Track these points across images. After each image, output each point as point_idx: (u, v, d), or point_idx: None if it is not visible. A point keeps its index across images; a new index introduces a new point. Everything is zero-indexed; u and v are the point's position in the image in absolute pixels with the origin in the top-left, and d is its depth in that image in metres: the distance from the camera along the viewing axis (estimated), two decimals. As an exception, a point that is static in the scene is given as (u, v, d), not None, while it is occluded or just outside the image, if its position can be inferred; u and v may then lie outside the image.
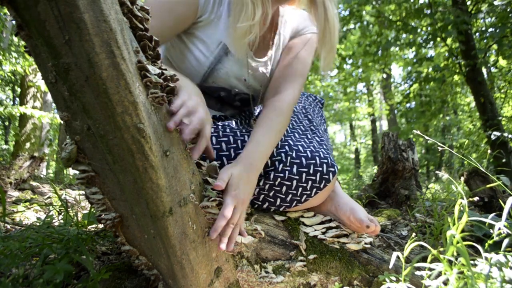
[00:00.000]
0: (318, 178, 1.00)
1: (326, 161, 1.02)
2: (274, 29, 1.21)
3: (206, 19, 1.05)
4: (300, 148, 1.03)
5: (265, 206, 1.05)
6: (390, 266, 0.88)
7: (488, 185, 1.22)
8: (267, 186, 1.00)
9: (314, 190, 1.01)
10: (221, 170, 0.85)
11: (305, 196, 1.02)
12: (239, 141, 1.02)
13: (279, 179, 0.99)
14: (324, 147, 1.09)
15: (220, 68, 1.11)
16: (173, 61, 1.15)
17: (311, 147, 1.06)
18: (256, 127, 0.99)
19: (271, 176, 0.98)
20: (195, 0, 1.00)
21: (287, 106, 1.05)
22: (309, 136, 1.14)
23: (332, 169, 1.02)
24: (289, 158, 1.00)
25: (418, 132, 1.33)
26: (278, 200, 1.02)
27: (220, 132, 1.03)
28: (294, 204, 1.03)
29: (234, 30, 0.99)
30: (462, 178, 1.87)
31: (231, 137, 1.02)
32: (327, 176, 1.01)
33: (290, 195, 1.01)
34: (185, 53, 1.10)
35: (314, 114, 1.27)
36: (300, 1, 1.14)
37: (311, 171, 1.00)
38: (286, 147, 1.02)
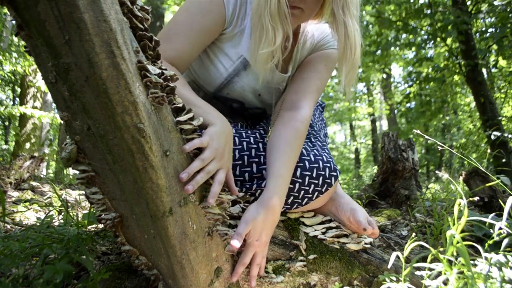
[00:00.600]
0: (320, 182, 1.00)
1: (328, 165, 1.02)
2: (294, 44, 1.18)
3: (230, 32, 1.05)
4: (304, 151, 1.03)
5: None
6: (389, 266, 0.88)
7: (488, 184, 1.22)
8: None
9: (316, 193, 1.01)
10: (241, 220, 0.85)
11: (306, 199, 1.02)
12: (244, 143, 1.03)
13: None
14: (327, 151, 1.09)
15: (236, 81, 1.11)
16: (192, 69, 1.16)
17: (315, 150, 1.06)
18: (274, 154, 0.97)
19: None
20: (222, 13, 1.00)
21: (305, 126, 1.04)
22: (312, 140, 1.14)
23: (334, 173, 1.02)
24: None
25: (418, 131, 1.33)
26: None
27: (236, 139, 1.03)
28: (295, 206, 1.03)
29: (257, 56, 0.98)
30: (461, 178, 1.87)
31: (236, 139, 1.03)
32: (329, 180, 1.01)
33: (292, 197, 1.01)
34: (206, 63, 1.11)
35: (314, 118, 1.27)
36: (323, 17, 1.11)
37: (314, 175, 1.00)
38: None
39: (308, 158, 1.02)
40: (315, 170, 1.00)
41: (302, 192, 1.00)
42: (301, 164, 1.00)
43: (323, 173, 1.01)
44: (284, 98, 1.12)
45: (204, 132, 0.80)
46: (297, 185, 0.99)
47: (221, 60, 1.08)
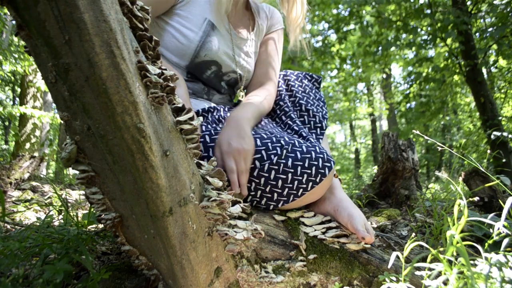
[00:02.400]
0: (313, 172, 1.00)
1: (322, 156, 1.02)
2: (251, 17, 1.36)
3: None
4: (296, 143, 1.04)
5: (263, 202, 1.05)
6: (389, 266, 0.88)
7: (487, 184, 1.22)
8: (262, 180, 1.00)
9: (310, 184, 1.01)
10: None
11: (301, 190, 1.02)
12: None
13: (273, 172, 0.99)
14: (320, 145, 1.10)
15: (210, 41, 1.18)
16: (161, 50, 1.19)
17: (308, 143, 1.07)
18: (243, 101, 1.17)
19: (266, 168, 0.99)
20: None
21: (273, 94, 1.25)
22: (304, 135, 1.15)
23: (328, 164, 1.02)
24: (284, 151, 1.01)
25: (418, 132, 1.33)
26: (275, 195, 1.02)
27: (212, 131, 1.06)
28: (291, 198, 1.03)
29: None
30: (461, 178, 1.87)
31: None
32: (323, 171, 1.01)
33: (287, 189, 1.01)
34: (175, 35, 1.16)
35: (309, 100, 1.30)
36: None
37: (306, 165, 1.00)
38: (282, 141, 1.03)
39: (300, 149, 1.02)
40: (307, 160, 1.01)
41: (296, 182, 1.00)
42: (293, 155, 1.01)
43: (315, 163, 1.01)
44: (252, 82, 1.33)
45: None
46: (289, 175, 1.00)
47: (188, 27, 1.16)
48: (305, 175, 1.00)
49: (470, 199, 1.24)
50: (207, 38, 1.17)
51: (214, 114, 1.17)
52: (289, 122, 1.22)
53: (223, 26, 1.24)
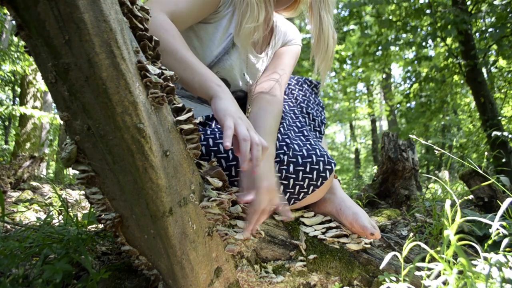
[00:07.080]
0: (315, 176, 1.00)
1: (322, 159, 1.02)
2: (270, 32, 1.28)
3: (222, 11, 1.11)
4: (296, 147, 1.04)
5: None
6: (382, 266, 0.88)
7: (485, 183, 1.22)
8: None
9: (311, 187, 1.01)
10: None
11: (302, 194, 1.02)
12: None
13: (276, 178, 0.99)
14: (320, 146, 1.10)
15: (226, 59, 1.15)
16: None
17: (307, 145, 1.06)
18: (256, 122, 1.01)
19: None
20: None
21: (279, 100, 1.12)
22: (305, 133, 1.14)
23: (329, 167, 1.02)
24: (286, 157, 1.00)
25: (415, 137, 1.33)
26: None
27: (217, 134, 1.03)
28: (292, 202, 1.03)
29: (240, 29, 1.06)
30: (452, 177, 1.87)
31: None
32: (324, 174, 1.01)
33: (288, 194, 1.01)
34: (195, 44, 1.13)
35: (310, 104, 1.28)
36: (296, 9, 1.23)
37: (307, 169, 1.00)
38: (284, 147, 1.02)
39: (301, 153, 1.02)
40: (308, 165, 1.00)
41: (297, 187, 1.00)
42: (294, 160, 1.00)
43: (317, 167, 1.01)
44: (259, 85, 1.20)
45: (216, 109, 0.81)
46: (291, 181, 0.99)
47: (212, 38, 1.12)
48: (307, 180, 1.00)
49: (465, 197, 1.24)
50: (224, 55, 1.14)
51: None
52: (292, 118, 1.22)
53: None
